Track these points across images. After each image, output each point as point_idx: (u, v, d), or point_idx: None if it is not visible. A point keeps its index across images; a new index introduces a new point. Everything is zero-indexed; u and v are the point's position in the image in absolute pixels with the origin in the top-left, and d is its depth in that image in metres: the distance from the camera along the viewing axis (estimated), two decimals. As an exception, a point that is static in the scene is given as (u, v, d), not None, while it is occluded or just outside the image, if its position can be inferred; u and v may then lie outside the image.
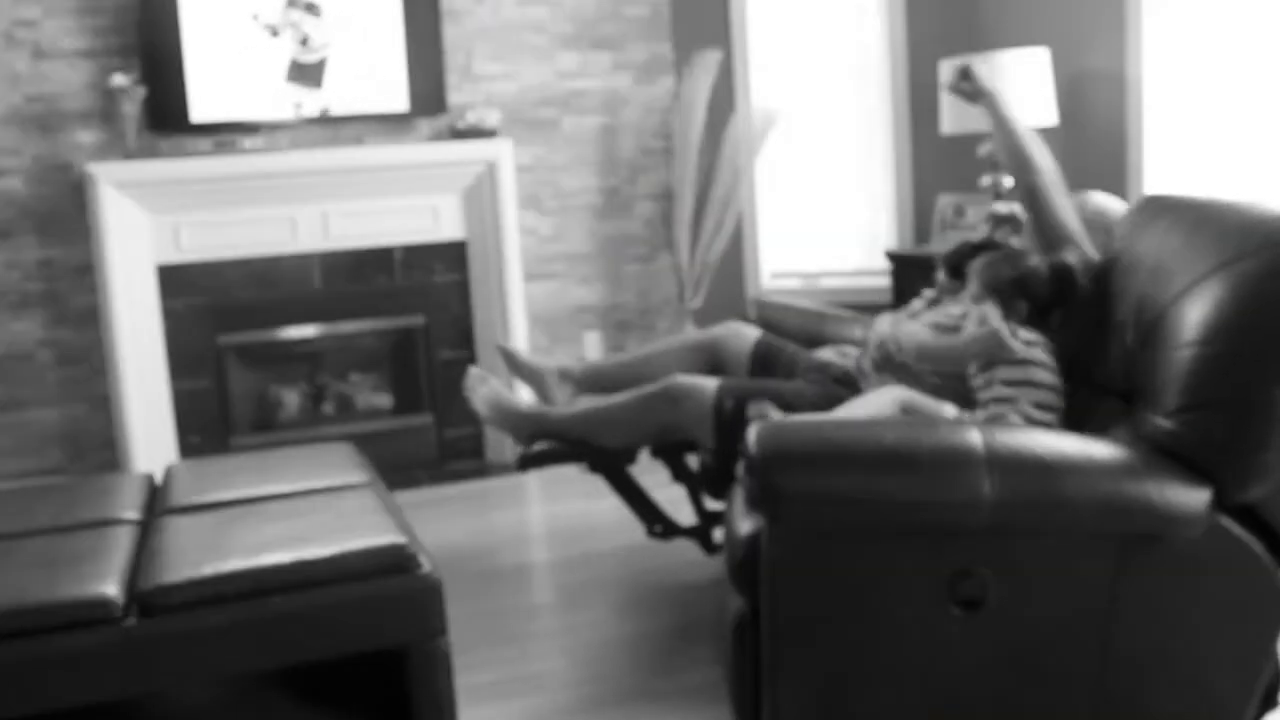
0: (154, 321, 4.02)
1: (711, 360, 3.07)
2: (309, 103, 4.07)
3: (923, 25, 4.64)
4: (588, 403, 3.00)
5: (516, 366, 3.21)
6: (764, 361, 3.00)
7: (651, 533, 3.05)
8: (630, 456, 2.99)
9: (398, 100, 4.18)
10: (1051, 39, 4.06)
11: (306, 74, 4.06)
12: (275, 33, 4.01)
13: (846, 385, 2.67)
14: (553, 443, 2.94)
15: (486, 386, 3.05)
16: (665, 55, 4.59)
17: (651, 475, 3.10)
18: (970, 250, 2.69)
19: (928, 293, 2.85)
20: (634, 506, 3.04)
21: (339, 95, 4.10)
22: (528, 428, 2.99)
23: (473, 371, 3.11)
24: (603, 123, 4.55)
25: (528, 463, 3.01)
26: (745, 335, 3.07)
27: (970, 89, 2.73)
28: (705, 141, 4.56)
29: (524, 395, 3.28)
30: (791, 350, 2.98)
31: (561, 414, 2.97)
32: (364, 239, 4.23)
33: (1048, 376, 2.32)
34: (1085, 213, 2.63)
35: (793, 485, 1.83)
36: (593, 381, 3.16)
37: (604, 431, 2.92)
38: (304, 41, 4.00)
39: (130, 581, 1.97)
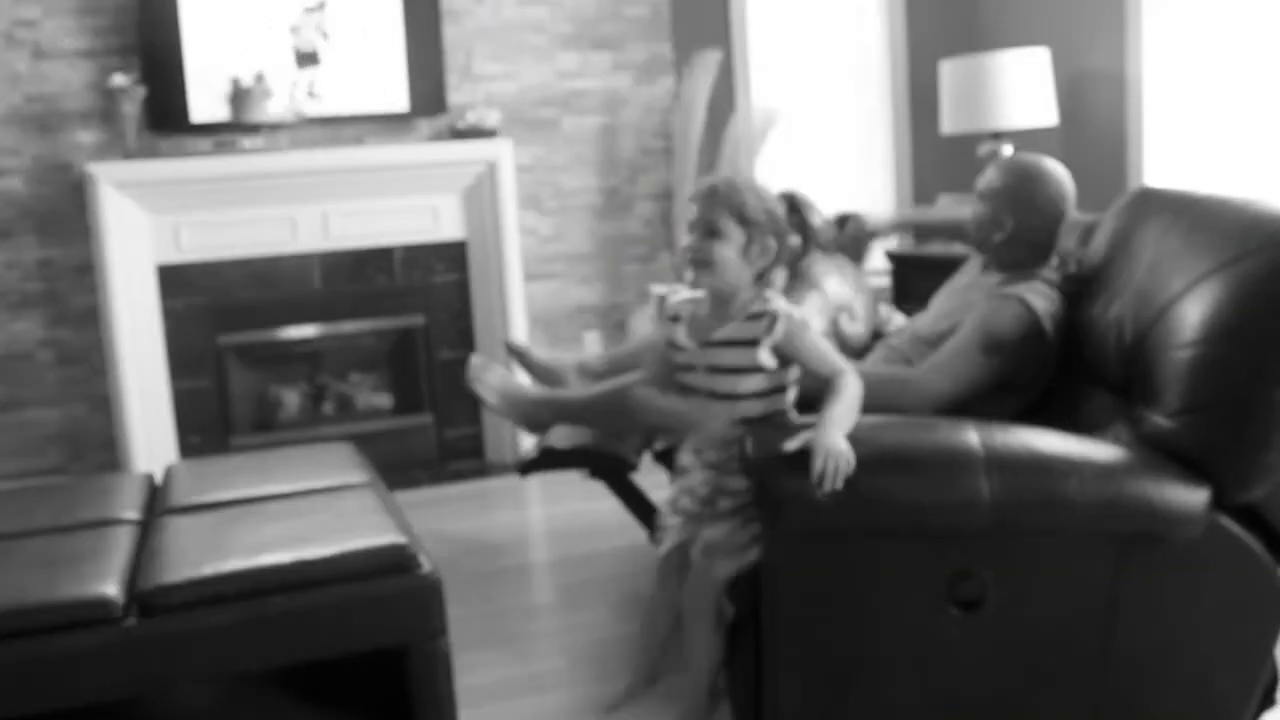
0: (154, 321, 4.01)
1: None
2: (310, 79, 4.05)
3: (923, 25, 4.64)
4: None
5: (529, 366, 3.02)
6: None
7: (655, 539, 3.03)
8: (631, 463, 2.97)
9: (398, 100, 4.18)
10: (1051, 39, 4.05)
11: (306, 59, 4.07)
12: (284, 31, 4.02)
13: None
14: (568, 428, 2.87)
15: (493, 374, 2.89)
16: (665, 55, 4.59)
17: (651, 478, 3.09)
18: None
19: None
20: (636, 512, 3.03)
21: (339, 94, 4.10)
22: (543, 415, 2.85)
23: (475, 360, 2.93)
24: (603, 123, 4.55)
25: (528, 468, 3.00)
26: None
27: None
28: (705, 141, 4.56)
29: (527, 381, 3.03)
30: None
31: (579, 396, 2.81)
32: (364, 239, 4.22)
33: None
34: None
35: (791, 487, 1.84)
36: (617, 373, 2.92)
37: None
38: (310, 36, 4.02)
39: (130, 581, 1.97)
